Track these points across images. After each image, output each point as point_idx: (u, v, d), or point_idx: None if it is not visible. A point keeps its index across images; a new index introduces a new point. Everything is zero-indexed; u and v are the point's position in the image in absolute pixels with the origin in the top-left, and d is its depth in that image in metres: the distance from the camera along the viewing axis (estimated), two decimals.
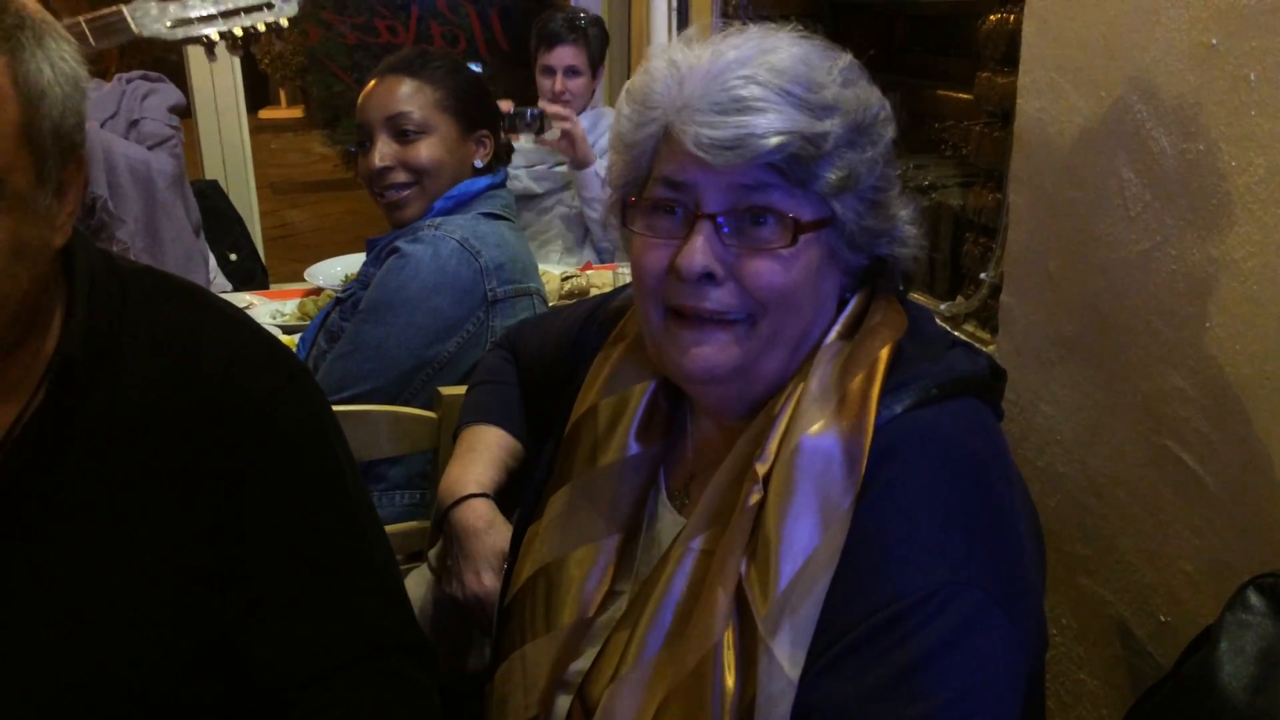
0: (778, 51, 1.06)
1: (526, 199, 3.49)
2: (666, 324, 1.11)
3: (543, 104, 3.34)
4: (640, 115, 1.10)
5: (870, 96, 1.10)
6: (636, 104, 1.11)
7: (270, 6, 2.17)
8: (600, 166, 3.32)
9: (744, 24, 1.12)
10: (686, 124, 1.04)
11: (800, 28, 1.11)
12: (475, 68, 3.09)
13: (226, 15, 2.16)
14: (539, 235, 3.52)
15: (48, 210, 1.03)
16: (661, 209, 1.10)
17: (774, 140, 1.01)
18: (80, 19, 2.09)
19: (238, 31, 2.17)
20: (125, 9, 2.12)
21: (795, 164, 1.03)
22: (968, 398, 1.07)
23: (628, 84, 1.14)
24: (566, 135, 3.26)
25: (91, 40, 2.10)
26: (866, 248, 1.12)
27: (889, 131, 1.12)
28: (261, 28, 2.18)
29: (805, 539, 0.98)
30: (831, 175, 1.05)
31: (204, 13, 2.15)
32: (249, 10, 2.17)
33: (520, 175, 3.43)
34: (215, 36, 2.17)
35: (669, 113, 1.07)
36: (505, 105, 3.22)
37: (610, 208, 1.20)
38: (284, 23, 2.19)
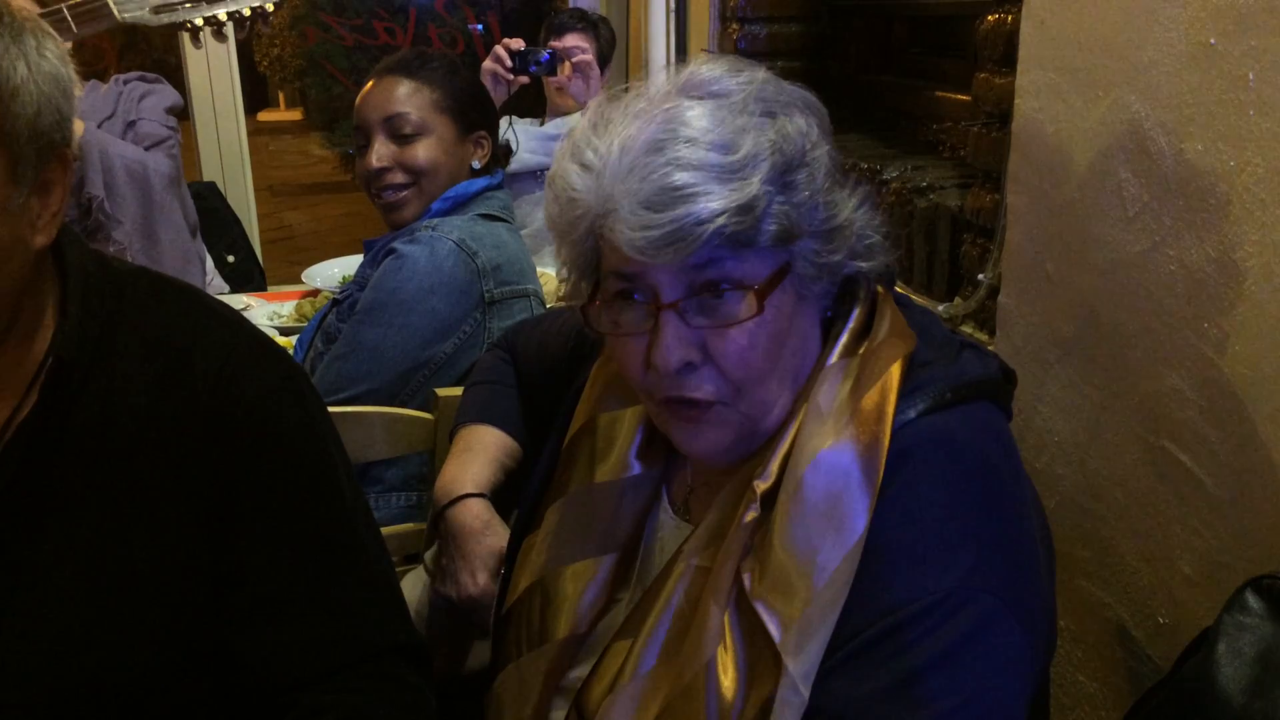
0: (685, 118, 0.98)
1: (529, 194, 3.46)
2: (661, 410, 1.09)
3: (554, 44, 3.33)
4: (568, 214, 1.04)
5: (792, 125, 1.02)
6: (562, 203, 1.04)
7: None
8: None
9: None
10: (618, 229, 0.97)
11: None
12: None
13: (211, 0, 2.14)
14: (542, 234, 3.50)
15: (24, 209, 1.01)
16: (621, 297, 1.05)
17: (714, 224, 0.95)
18: (62, 5, 2.06)
19: (222, 16, 2.15)
20: None
21: (736, 234, 0.98)
22: (981, 401, 1.07)
23: (549, 174, 1.07)
24: (581, 70, 3.23)
25: (74, 26, 2.08)
26: (831, 276, 1.07)
27: (821, 156, 1.04)
28: (246, 12, 2.15)
29: (825, 558, 0.96)
30: (772, 228, 0.99)
31: None
32: None
33: (535, 150, 3.38)
34: (199, 22, 2.14)
35: (596, 217, 1.00)
36: (516, 44, 3.20)
37: (567, 297, 1.14)
38: (269, 7, 2.17)
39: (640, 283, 1.03)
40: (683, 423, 1.07)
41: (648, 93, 1.04)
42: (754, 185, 0.97)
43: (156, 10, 2.11)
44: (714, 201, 0.95)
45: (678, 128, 0.98)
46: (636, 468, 1.20)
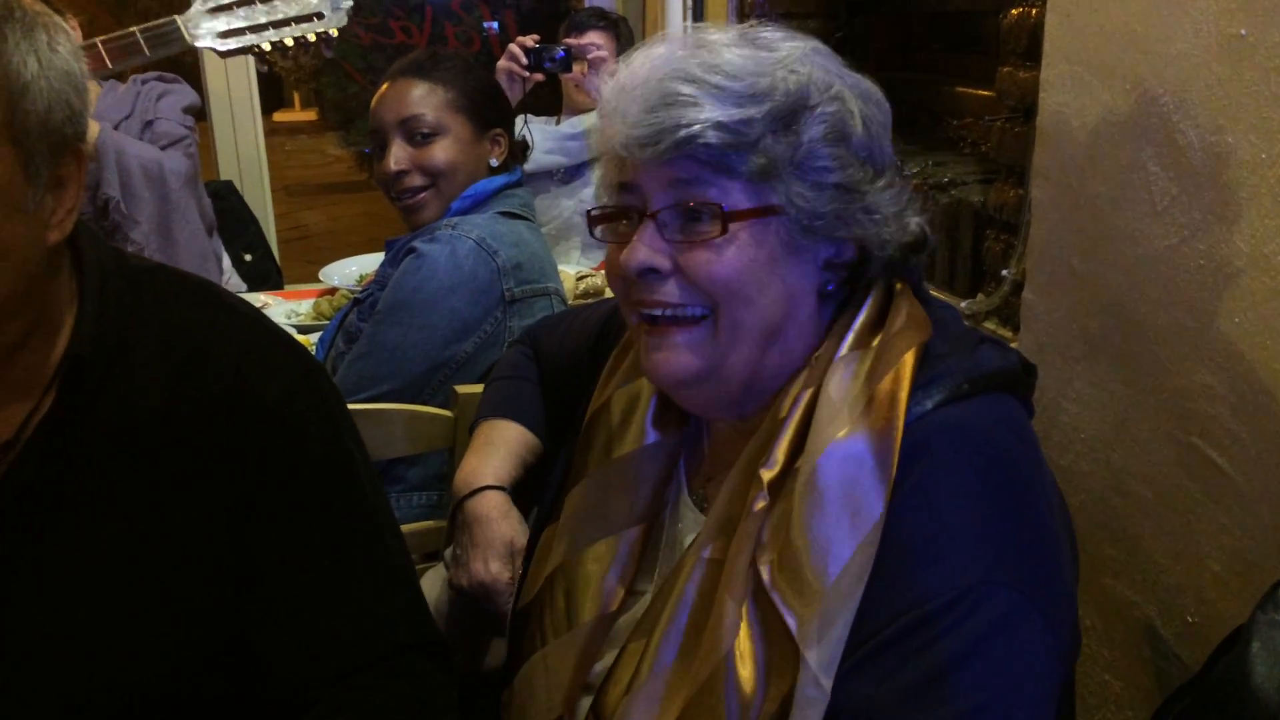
0: (715, 49, 1.05)
1: (545, 192, 3.46)
2: (639, 329, 1.12)
3: (572, 41, 3.34)
4: (600, 128, 1.11)
5: (817, 74, 1.06)
6: (599, 118, 1.12)
7: (320, 16, 2.18)
8: None
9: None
10: (618, 128, 1.05)
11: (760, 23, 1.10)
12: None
13: (277, 25, 2.17)
14: (557, 232, 3.50)
15: (38, 207, 1.00)
16: (619, 216, 1.11)
17: (694, 129, 1.01)
18: (134, 29, 2.10)
19: (288, 42, 2.18)
20: (179, 19, 2.13)
21: (714, 153, 1.03)
22: (999, 393, 1.05)
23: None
24: (596, 67, 3.23)
25: (146, 50, 2.12)
26: (828, 234, 1.07)
27: (835, 111, 1.06)
28: (312, 38, 2.19)
29: (839, 548, 0.95)
30: (757, 161, 1.03)
31: (255, 23, 2.16)
32: (299, 20, 2.17)
33: (550, 149, 3.38)
34: (266, 47, 2.17)
35: (609, 123, 1.08)
36: (530, 40, 3.21)
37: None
38: (334, 33, 2.20)
39: (636, 194, 1.08)
40: (650, 340, 1.10)
41: (702, 32, 1.10)
42: (750, 112, 1.02)
43: (223, 35, 2.13)
44: (703, 113, 1.01)
45: (704, 55, 1.05)
46: (652, 435, 1.21)
